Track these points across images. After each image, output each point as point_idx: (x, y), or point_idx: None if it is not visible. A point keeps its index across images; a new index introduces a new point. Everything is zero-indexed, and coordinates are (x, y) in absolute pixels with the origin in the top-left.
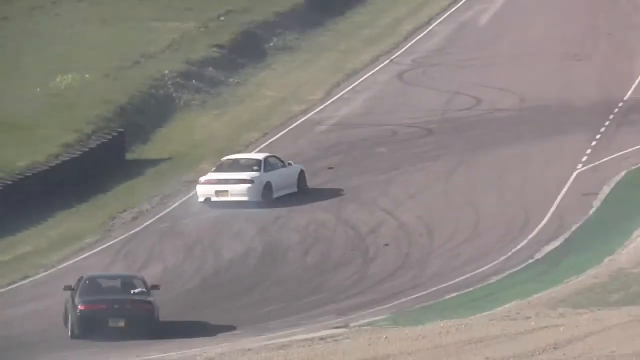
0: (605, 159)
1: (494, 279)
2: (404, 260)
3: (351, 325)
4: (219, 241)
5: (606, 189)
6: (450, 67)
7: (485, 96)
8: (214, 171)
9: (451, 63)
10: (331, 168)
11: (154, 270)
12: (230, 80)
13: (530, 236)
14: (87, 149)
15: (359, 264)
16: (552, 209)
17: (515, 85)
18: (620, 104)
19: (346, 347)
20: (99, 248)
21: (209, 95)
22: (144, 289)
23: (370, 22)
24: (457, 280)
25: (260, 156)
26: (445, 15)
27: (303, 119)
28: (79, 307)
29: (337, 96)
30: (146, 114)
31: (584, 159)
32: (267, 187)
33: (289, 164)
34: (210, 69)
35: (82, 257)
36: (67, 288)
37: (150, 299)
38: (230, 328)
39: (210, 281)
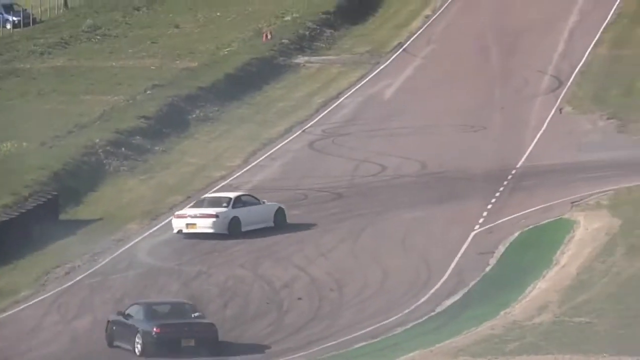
0: (500, 221)
1: (398, 330)
2: (316, 312)
3: None
4: (145, 294)
5: (501, 248)
6: (358, 137)
7: (390, 163)
8: (190, 207)
9: (358, 133)
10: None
11: (85, 322)
12: (156, 148)
13: (432, 291)
14: (24, 210)
15: (275, 316)
16: (452, 266)
17: (417, 154)
18: (514, 171)
19: None
20: (33, 301)
21: (136, 162)
22: (201, 313)
23: (284, 96)
24: (365, 331)
25: (232, 195)
26: (353, 90)
27: (223, 183)
28: (154, 329)
29: (254, 163)
30: (79, 178)
31: (481, 221)
32: (235, 221)
33: (263, 202)
34: (138, 137)
35: (18, 309)
36: (120, 314)
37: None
38: None
39: None
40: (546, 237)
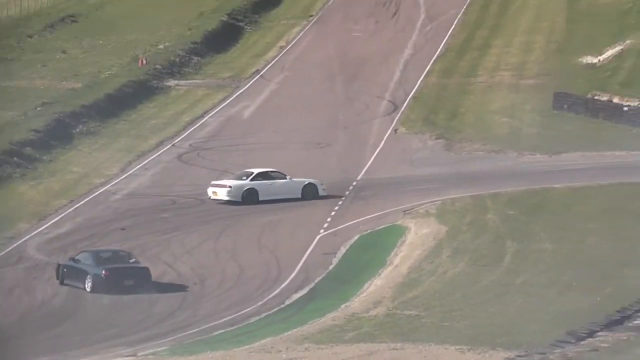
0: (342, 225)
1: (253, 320)
2: (181, 303)
3: (138, 354)
4: (33, 285)
5: (343, 249)
6: (220, 151)
7: None
8: (227, 179)
9: (220, 147)
10: (123, 229)
11: None
12: (45, 158)
13: (282, 286)
14: None
15: (145, 305)
16: (300, 264)
17: (272, 166)
18: (354, 183)
19: None
20: None
21: (27, 170)
22: (136, 259)
23: (156, 114)
24: (224, 320)
25: (257, 170)
26: (216, 110)
27: (102, 189)
28: (103, 272)
29: (130, 172)
30: None
31: (325, 225)
32: (250, 192)
33: (290, 178)
34: (29, 148)
35: None
36: (70, 259)
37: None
38: (37, 355)
39: (26, 316)
40: (381, 240)
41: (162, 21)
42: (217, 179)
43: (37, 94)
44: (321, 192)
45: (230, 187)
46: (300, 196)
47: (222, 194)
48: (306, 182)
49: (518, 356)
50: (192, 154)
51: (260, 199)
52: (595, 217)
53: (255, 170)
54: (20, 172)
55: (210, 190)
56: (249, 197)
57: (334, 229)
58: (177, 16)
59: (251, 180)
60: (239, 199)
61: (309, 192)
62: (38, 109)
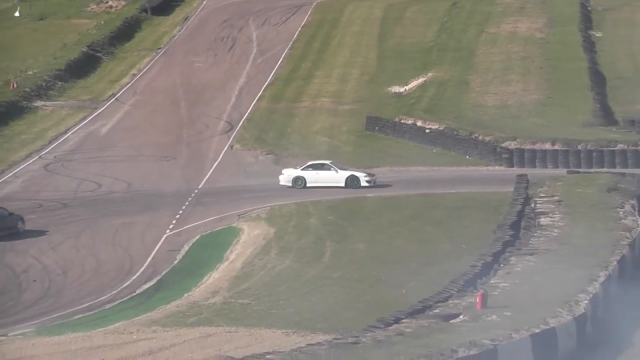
0: (186, 227)
1: (108, 306)
2: (46, 291)
3: (9, 334)
4: None
5: (186, 247)
6: (80, 162)
7: (104, 182)
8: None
9: (81, 159)
10: None
11: None
12: None
13: (133, 278)
14: None
15: (14, 293)
16: (149, 259)
17: (125, 176)
18: (196, 191)
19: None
20: None
21: None
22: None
23: (26, 130)
24: (83, 306)
25: (311, 162)
26: (77, 127)
27: None
28: None
29: (2, 180)
30: None
31: (171, 226)
32: (299, 179)
33: (336, 170)
34: None
35: None
36: None
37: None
38: None
39: None
40: (219, 240)
41: (31, 52)
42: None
43: None
44: (363, 184)
45: (282, 173)
46: (344, 185)
47: (279, 180)
48: (349, 174)
49: (335, 339)
50: (56, 165)
51: (308, 185)
52: (402, 222)
53: (310, 162)
54: None
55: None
56: (297, 183)
57: (178, 230)
58: (44, 47)
59: (302, 169)
60: (289, 184)
61: (352, 182)
62: None
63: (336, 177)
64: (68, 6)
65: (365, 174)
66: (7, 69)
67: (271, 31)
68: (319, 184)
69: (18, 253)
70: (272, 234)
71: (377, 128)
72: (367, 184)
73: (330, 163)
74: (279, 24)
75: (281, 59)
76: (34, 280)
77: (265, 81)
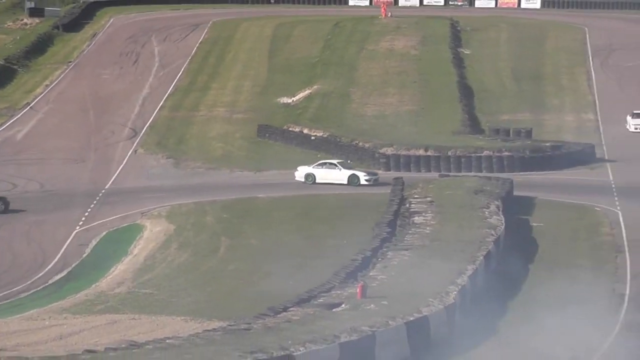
0: (94, 223)
1: (23, 295)
2: None
3: None
4: None
5: (94, 242)
6: None
7: (20, 183)
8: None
9: None
10: None
11: None
12: None
13: (46, 269)
14: None
15: None
16: (60, 253)
17: (39, 177)
18: (103, 191)
19: None
20: None
21: None
22: None
23: None
24: (0, 295)
25: (323, 160)
26: None
27: None
28: None
29: None
30: None
31: (80, 223)
32: (310, 176)
33: (340, 169)
34: None
35: None
36: None
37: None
38: None
39: None
40: (124, 235)
41: None
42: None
43: None
44: (363, 182)
45: (298, 170)
46: (346, 183)
47: (295, 175)
48: (351, 173)
49: (229, 325)
50: None
51: (317, 181)
52: (290, 220)
53: (321, 161)
54: None
55: None
56: (308, 179)
57: (87, 226)
58: None
59: (313, 167)
60: (302, 180)
61: (353, 180)
62: None
63: (340, 176)
64: None
65: (365, 174)
66: None
67: (172, 47)
68: (326, 181)
69: None
70: (172, 230)
71: (267, 135)
72: (366, 182)
73: (338, 163)
74: (179, 40)
75: (181, 72)
76: None
77: (166, 92)
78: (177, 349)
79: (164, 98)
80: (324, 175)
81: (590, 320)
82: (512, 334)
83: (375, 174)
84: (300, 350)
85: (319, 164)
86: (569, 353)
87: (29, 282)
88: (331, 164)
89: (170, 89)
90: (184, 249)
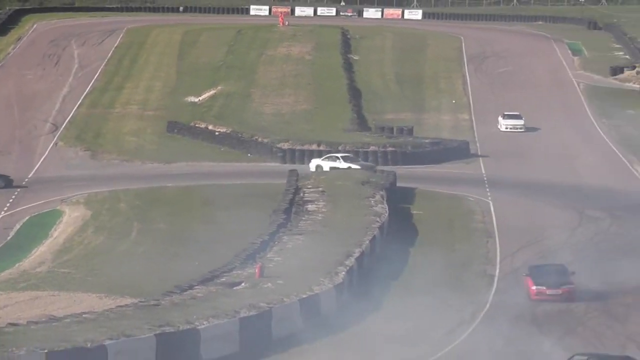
0: (17, 209)
1: None
2: None
3: None
4: None
5: (17, 226)
6: None
7: None
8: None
9: None
10: None
11: None
12: None
13: None
14: None
15: None
16: None
17: None
18: (26, 180)
19: None
20: None
21: None
22: None
23: None
24: None
25: (334, 154)
26: None
27: None
28: None
29: None
30: None
31: (5, 209)
32: (319, 167)
33: (342, 162)
34: None
35: None
36: None
37: None
38: None
39: None
40: (45, 220)
41: None
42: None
43: None
44: None
45: (311, 162)
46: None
47: (310, 166)
48: (347, 166)
49: (140, 301)
50: None
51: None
52: (196, 208)
53: (327, 155)
54: None
55: None
56: (317, 169)
57: (11, 212)
58: None
59: (322, 160)
60: (313, 169)
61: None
62: None
63: (340, 167)
64: None
65: (359, 166)
66: None
67: (90, 50)
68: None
69: None
70: (89, 215)
71: (176, 130)
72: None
73: (340, 156)
74: (96, 44)
75: (98, 73)
76: None
77: (85, 91)
78: (92, 322)
79: (83, 96)
80: (328, 166)
81: (464, 298)
82: (394, 310)
83: (373, 166)
84: (204, 324)
85: (326, 157)
86: (446, 326)
87: None
88: (335, 157)
89: (88, 88)
90: (99, 233)
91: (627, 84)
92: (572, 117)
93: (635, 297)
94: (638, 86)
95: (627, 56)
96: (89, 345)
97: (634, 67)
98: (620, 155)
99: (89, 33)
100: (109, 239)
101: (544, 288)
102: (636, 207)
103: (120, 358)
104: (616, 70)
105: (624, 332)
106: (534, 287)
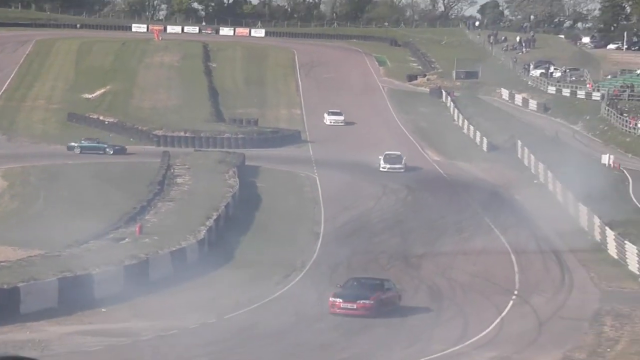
0: None
1: None
2: None
3: None
4: None
5: None
6: None
7: None
8: None
9: None
10: None
11: None
12: None
13: None
14: None
15: None
16: None
17: None
18: None
19: None
20: None
21: None
22: None
23: None
24: None
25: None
26: None
27: None
28: None
29: None
30: None
31: None
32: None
33: (388, 158)
34: None
35: None
36: None
37: None
38: None
39: None
40: None
41: None
42: None
43: None
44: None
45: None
46: (402, 170)
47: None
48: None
49: (46, 252)
50: None
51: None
52: (91, 180)
53: (390, 152)
54: None
55: None
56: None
57: None
58: None
59: (381, 157)
60: (379, 168)
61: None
62: None
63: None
64: None
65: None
66: None
67: (7, 57)
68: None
69: None
70: (6, 186)
71: (74, 120)
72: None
73: (397, 154)
74: (12, 52)
75: (13, 74)
76: None
77: (2, 88)
78: (7, 269)
79: (1, 92)
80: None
81: (298, 250)
82: (242, 260)
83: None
84: (96, 270)
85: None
86: (283, 272)
87: None
88: (385, 154)
89: (5, 86)
90: (14, 199)
91: (419, 88)
92: (379, 113)
93: (426, 247)
94: (427, 90)
95: (420, 67)
96: (5, 286)
97: (424, 75)
98: (415, 142)
99: (6, 43)
100: (22, 204)
101: (340, 301)
102: (427, 181)
103: (30, 297)
104: (411, 77)
105: (418, 277)
106: (330, 299)
